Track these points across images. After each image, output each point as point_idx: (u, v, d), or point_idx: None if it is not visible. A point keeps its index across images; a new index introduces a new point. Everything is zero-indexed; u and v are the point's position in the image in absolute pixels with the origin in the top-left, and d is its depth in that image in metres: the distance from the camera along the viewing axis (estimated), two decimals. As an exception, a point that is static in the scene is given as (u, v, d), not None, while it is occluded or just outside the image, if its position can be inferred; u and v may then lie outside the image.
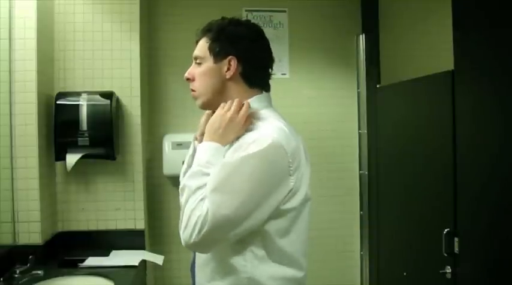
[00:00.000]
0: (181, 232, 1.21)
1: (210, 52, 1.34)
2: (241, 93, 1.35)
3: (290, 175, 1.23)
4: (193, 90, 1.39)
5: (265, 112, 1.34)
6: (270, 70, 1.40)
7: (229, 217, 1.17)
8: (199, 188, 1.21)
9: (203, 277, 1.33)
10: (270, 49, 1.40)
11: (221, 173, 1.21)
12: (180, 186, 1.28)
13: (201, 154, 1.28)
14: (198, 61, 1.37)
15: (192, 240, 1.18)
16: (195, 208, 1.19)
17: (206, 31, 1.37)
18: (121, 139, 2.53)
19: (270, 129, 1.24)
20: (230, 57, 1.32)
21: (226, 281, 1.27)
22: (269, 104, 1.39)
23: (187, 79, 1.39)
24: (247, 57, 1.34)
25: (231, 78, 1.34)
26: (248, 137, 1.25)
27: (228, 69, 1.33)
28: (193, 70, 1.38)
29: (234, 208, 1.18)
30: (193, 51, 1.41)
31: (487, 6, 1.85)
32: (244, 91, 1.36)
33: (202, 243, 1.20)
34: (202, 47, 1.36)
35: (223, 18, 1.39)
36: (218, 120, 1.29)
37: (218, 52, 1.33)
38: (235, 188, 1.19)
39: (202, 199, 1.20)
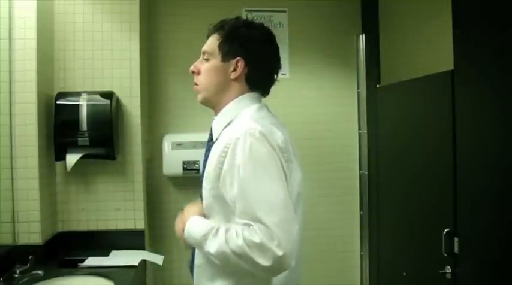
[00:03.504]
0: (263, 270, 1.17)
1: (219, 50, 1.35)
2: (241, 94, 1.36)
3: (287, 161, 1.26)
4: (196, 84, 1.40)
5: (252, 107, 1.35)
6: (275, 76, 1.41)
7: (283, 218, 1.16)
8: (227, 238, 1.19)
9: (204, 277, 1.33)
10: (278, 55, 1.41)
11: (244, 201, 1.20)
12: (214, 258, 1.24)
13: (196, 228, 1.28)
14: (205, 57, 1.38)
15: (280, 260, 1.14)
16: (248, 247, 1.15)
17: (218, 28, 1.38)
18: (121, 139, 2.53)
19: (250, 124, 1.25)
20: (238, 58, 1.34)
21: (227, 281, 1.27)
22: (258, 102, 1.40)
23: (193, 72, 1.40)
24: (255, 61, 1.35)
25: (235, 79, 1.35)
26: (233, 133, 1.25)
27: (234, 69, 1.34)
28: (199, 64, 1.39)
29: (278, 211, 1.17)
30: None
31: (487, 6, 1.85)
32: (244, 92, 1.37)
33: (289, 254, 1.16)
34: (212, 43, 1.37)
35: (237, 18, 1.39)
36: (184, 215, 1.36)
37: (227, 52, 1.34)
38: (263, 197, 1.19)
39: (238, 236, 1.17)
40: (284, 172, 1.24)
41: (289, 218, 1.18)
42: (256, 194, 1.19)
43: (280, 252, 1.13)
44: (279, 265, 1.15)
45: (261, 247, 1.14)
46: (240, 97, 1.36)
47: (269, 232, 1.14)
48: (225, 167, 1.23)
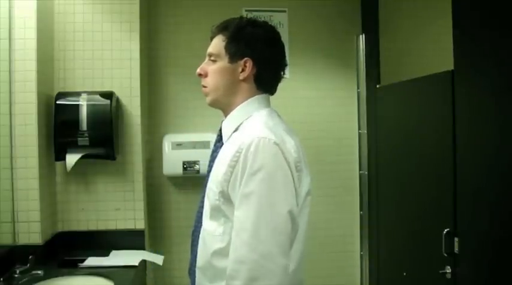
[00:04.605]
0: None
1: (225, 51, 1.34)
2: (250, 94, 1.36)
3: (299, 171, 1.25)
4: (204, 86, 1.39)
5: (262, 112, 1.34)
6: (282, 73, 1.41)
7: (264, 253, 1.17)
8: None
9: (204, 279, 1.32)
10: (284, 53, 1.40)
11: (239, 219, 1.20)
12: None
13: None
14: (212, 58, 1.37)
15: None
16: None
17: (223, 29, 1.36)
18: (121, 139, 2.53)
19: (264, 131, 1.24)
20: (246, 58, 1.33)
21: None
22: (268, 105, 1.40)
23: (200, 75, 1.39)
24: (263, 60, 1.34)
25: (244, 79, 1.34)
26: (246, 138, 1.24)
27: (243, 70, 1.34)
28: (206, 66, 1.38)
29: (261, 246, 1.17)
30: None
31: (487, 6, 1.85)
32: (253, 92, 1.37)
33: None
34: (217, 44, 1.36)
35: (241, 18, 1.39)
36: None
37: (234, 53, 1.33)
38: (253, 225, 1.18)
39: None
40: (294, 184, 1.23)
41: (273, 252, 1.17)
42: (249, 218, 1.18)
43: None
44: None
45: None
46: (250, 99, 1.35)
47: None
48: (235, 172, 1.22)
